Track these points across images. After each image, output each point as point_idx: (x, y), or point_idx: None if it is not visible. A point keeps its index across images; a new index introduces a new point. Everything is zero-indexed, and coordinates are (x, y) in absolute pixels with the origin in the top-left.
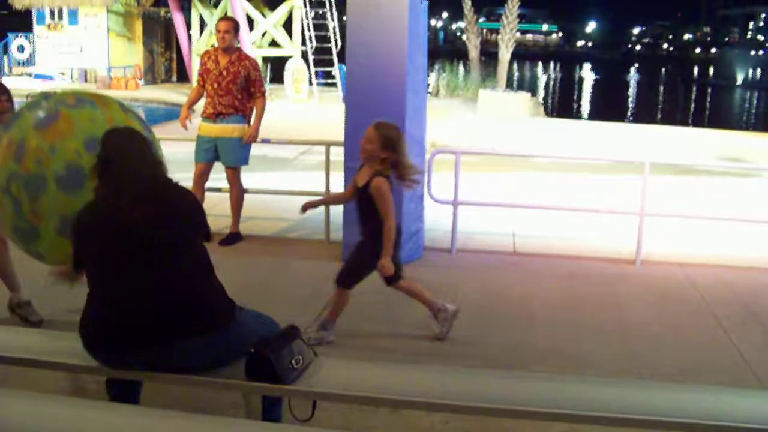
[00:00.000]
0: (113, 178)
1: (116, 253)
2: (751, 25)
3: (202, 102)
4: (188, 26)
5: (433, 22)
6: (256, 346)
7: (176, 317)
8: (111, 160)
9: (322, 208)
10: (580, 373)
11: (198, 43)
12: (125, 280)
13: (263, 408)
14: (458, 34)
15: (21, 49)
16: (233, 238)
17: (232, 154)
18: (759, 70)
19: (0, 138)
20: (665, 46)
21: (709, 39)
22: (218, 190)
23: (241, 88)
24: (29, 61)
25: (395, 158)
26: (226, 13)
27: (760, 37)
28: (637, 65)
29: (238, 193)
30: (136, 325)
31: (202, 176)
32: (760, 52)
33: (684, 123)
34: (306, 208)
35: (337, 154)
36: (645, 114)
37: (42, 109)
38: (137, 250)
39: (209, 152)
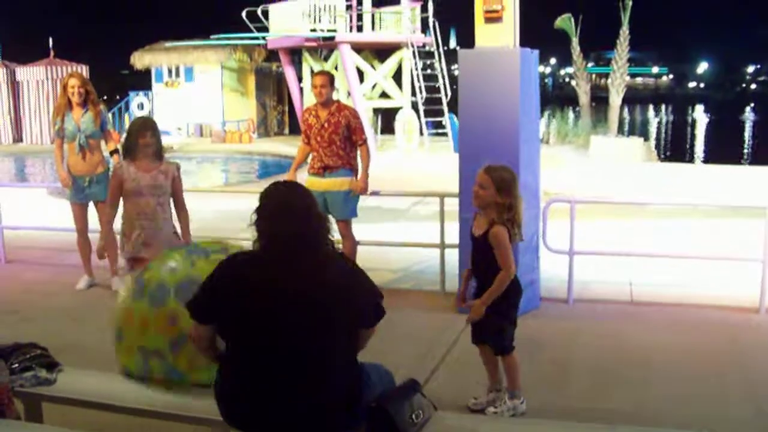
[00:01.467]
0: (269, 240)
1: (251, 325)
2: None
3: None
4: (299, 79)
5: (541, 68)
6: (377, 400)
7: (302, 412)
8: (269, 218)
9: (435, 258)
10: None
11: (310, 96)
12: (257, 356)
13: None
14: (567, 79)
15: (141, 106)
16: None
17: (342, 208)
18: None
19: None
20: None
21: None
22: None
23: (344, 138)
24: None
25: (511, 202)
26: (336, 67)
27: None
28: (752, 104)
29: (351, 245)
30: (262, 407)
31: None
32: None
33: None
34: (460, 303)
35: (451, 204)
36: (764, 155)
37: None
38: (276, 327)
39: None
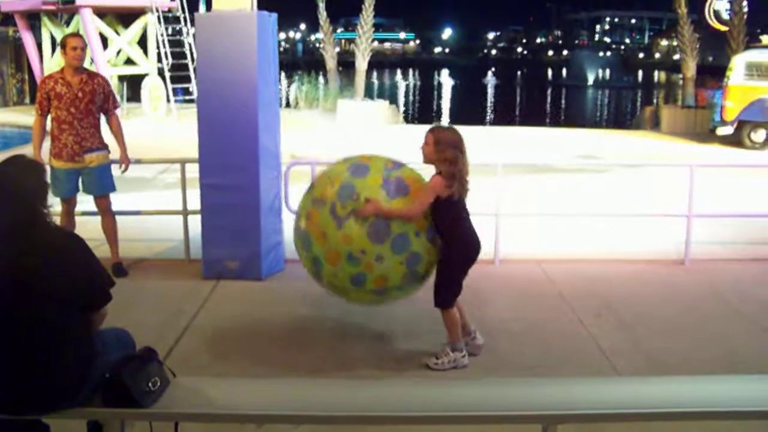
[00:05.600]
0: None
1: None
2: (597, 28)
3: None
4: (39, 46)
5: (291, 33)
6: (112, 370)
7: (20, 390)
8: None
9: (180, 226)
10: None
11: (50, 63)
12: None
13: None
14: (317, 45)
15: None
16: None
17: (101, 184)
18: (608, 70)
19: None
20: (519, 49)
21: (560, 42)
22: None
23: (98, 109)
24: None
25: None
26: (78, 32)
27: (607, 39)
28: (493, 69)
29: (112, 221)
30: None
31: (70, 212)
32: (608, 54)
33: (541, 123)
34: None
35: (194, 171)
36: (503, 116)
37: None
38: None
39: (73, 183)
